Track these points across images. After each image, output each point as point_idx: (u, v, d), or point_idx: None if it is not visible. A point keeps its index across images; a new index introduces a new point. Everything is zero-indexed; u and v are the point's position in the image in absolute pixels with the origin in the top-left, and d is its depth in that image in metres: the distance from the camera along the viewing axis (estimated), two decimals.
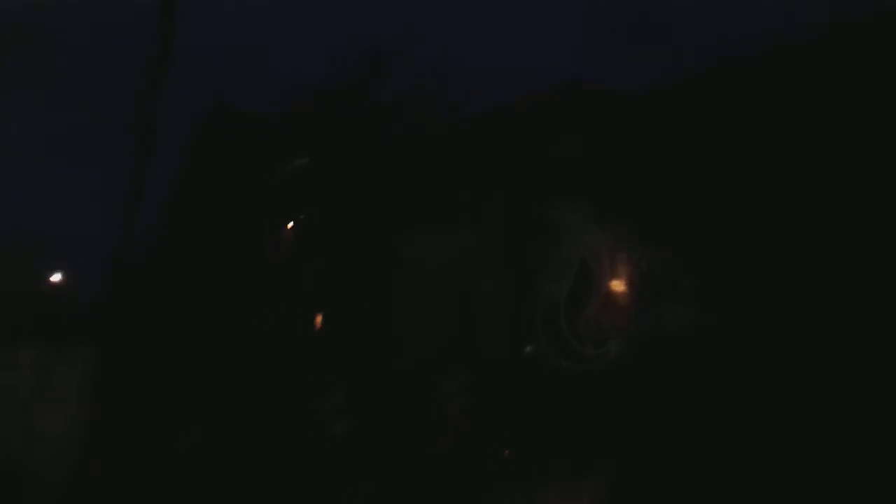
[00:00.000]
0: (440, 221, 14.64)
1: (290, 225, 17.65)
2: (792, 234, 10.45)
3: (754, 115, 11.31)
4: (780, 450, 9.54)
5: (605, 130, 12.96)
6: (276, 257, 17.54)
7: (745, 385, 10.19)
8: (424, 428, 13.45)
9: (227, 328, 16.76)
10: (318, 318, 16.74)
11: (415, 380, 14.00)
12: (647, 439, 10.81)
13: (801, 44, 11.37)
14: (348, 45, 16.82)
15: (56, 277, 19.99)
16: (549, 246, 13.12)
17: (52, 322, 17.88)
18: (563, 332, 12.61)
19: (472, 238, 14.15)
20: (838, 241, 9.92)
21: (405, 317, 14.96)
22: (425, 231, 14.88)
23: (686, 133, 11.99)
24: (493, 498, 12.13)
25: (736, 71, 11.85)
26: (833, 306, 9.75)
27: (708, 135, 11.70)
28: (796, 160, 10.57)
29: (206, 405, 15.68)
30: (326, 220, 16.96)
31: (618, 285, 12.46)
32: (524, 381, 12.88)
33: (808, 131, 10.57)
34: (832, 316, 9.72)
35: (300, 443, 14.47)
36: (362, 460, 13.66)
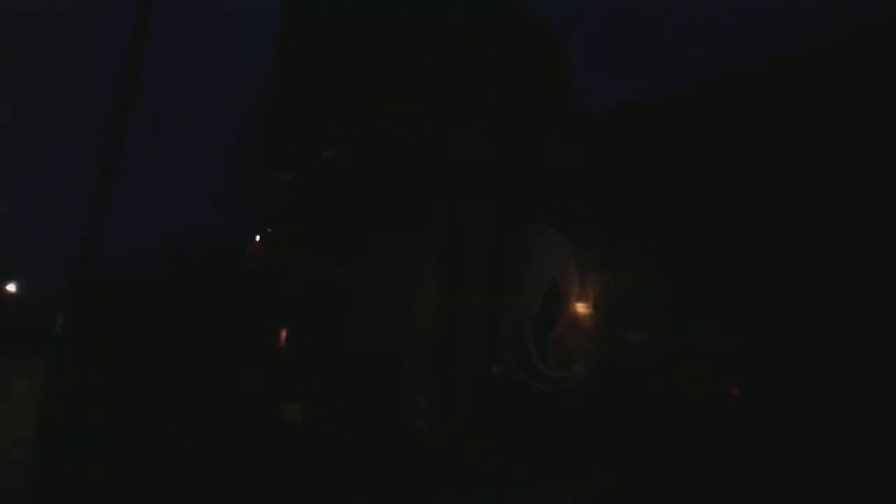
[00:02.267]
0: (409, 235, 14.57)
1: (258, 238, 17.48)
2: (763, 255, 10.58)
3: (720, 135, 11.47)
4: (751, 476, 9.60)
5: (576, 148, 13.04)
6: (246, 268, 17.36)
7: (715, 407, 10.25)
8: (392, 445, 13.30)
9: (191, 339, 16.50)
10: (283, 333, 16.53)
11: (381, 396, 13.86)
12: (616, 461, 10.82)
13: (757, 72, 11.58)
14: None
15: (11, 287, 19.54)
16: (520, 264, 13.13)
17: (4, 332, 17.47)
18: (531, 352, 12.60)
19: (440, 253, 14.09)
20: (813, 261, 10.06)
21: (371, 332, 14.82)
22: (393, 245, 14.79)
23: (656, 152, 12.11)
24: None
25: (706, 92, 12.03)
26: (807, 327, 9.87)
27: (678, 154, 11.83)
28: (767, 180, 10.72)
29: (165, 419, 15.37)
30: (293, 232, 16.81)
31: (587, 306, 12.49)
32: (491, 400, 12.82)
33: (778, 151, 10.73)
34: (805, 336, 9.84)
35: (261, 455, 14.24)
36: (326, 477, 13.46)
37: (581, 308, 12.46)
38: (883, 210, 9.88)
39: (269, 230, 17.54)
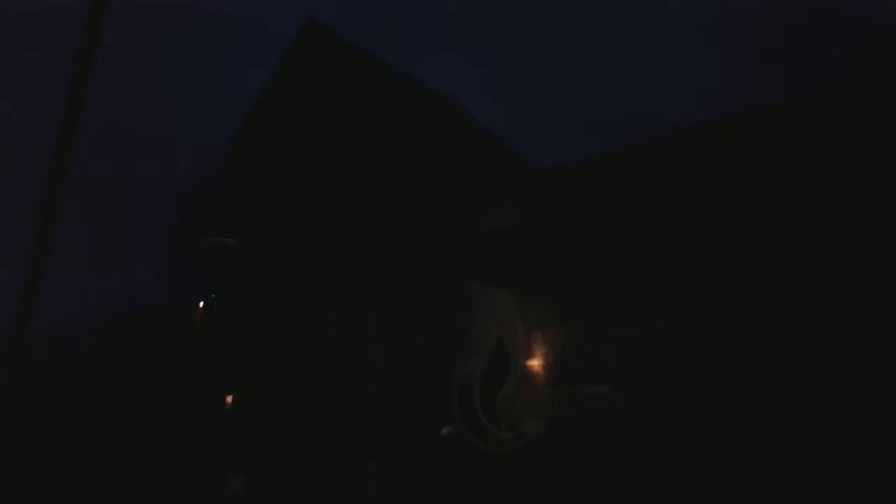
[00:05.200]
0: (356, 298, 14.48)
1: (202, 304, 17.23)
2: (709, 306, 10.70)
3: (666, 192, 11.64)
4: None
5: (523, 209, 13.16)
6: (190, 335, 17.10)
7: (669, 460, 10.23)
8: None
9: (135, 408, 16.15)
10: (229, 398, 16.22)
11: (331, 460, 13.59)
12: None
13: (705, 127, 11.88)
14: None
15: None
16: (465, 324, 13.08)
17: None
18: (478, 413, 12.49)
19: (388, 315, 14.01)
20: (758, 317, 10.20)
21: (320, 395, 14.58)
22: (340, 309, 14.68)
23: (602, 210, 12.25)
24: None
25: (647, 150, 12.25)
26: (751, 373, 9.98)
27: (624, 212, 11.97)
28: (713, 234, 10.89)
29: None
30: (242, 293, 16.65)
31: (534, 364, 12.44)
32: (442, 462, 12.64)
33: (718, 206, 10.94)
34: (752, 381, 9.94)
35: None
36: None
37: (531, 366, 12.41)
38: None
39: (212, 296, 17.31)
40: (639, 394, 10.99)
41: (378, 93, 15.77)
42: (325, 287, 14.97)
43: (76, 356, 18.95)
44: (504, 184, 14.29)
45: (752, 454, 9.66)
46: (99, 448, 16.07)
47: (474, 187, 14.07)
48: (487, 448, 12.23)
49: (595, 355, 11.77)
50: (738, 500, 9.57)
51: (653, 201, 11.61)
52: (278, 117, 17.02)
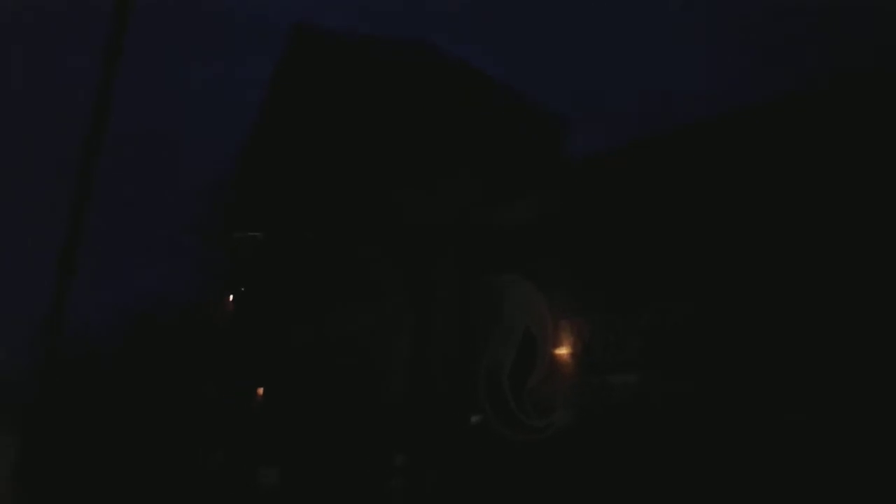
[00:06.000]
0: (382, 291, 14.54)
1: (231, 297, 17.36)
2: (734, 297, 10.69)
3: (691, 182, 11.62)
4: None
5: (550, 199, 13.16)
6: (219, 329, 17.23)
7: (696, 449, 10.23)
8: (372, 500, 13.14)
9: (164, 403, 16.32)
10: (260, 391, 16.36)
11: (361, 454, 13.68)
12: None
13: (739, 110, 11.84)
14: None
15: None
16: (493, 315, 13.11)
17: None
18: (509, 402, 12.52)
19: (414, 308, 14.06)
20: (779, 302, 10.18)
21: (348, 388, 14.68)
22: (366, 302, 14.74)
23: (628, 199, 12.25)
24: None
25: (669, 139, 12.22)
26: (777, 364, 9.95)
27: (650, 201, 11.97)
28: (736, 226, 10.88)
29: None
30: (270, 288, 16.74)
31: (562, 354, 12.47)
32: (472, 452, 12.69)
33: (743, 196, 10.91)
34: (778, 373, 9.91)
35: None
36: None
37: (559, 355, 12.45)
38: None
39: (239, 291, 17.41)
40: (666, 384, 11.00)
41: (393, 85, 15.66)
42: (350, 281, 15.03)
43: (103, 353, 19.19)
44: (529, 175, 14.27)
45: (783, 447, 9.64)
46: (129, 444, 16.24)
47: (498, 179, 14.08)
48: (517, 438, 12.27)
49: (622, 345, 11.81)
50: (767, 492, 9.56)
51: (680, 191, 11.60)
52: (287, 116, 17.06)
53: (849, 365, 9.41)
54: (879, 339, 9.25)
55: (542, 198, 13.35)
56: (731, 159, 11.20)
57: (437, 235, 13.95)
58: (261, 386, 16.46)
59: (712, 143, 11.62)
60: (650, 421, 10.93)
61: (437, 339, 13.69)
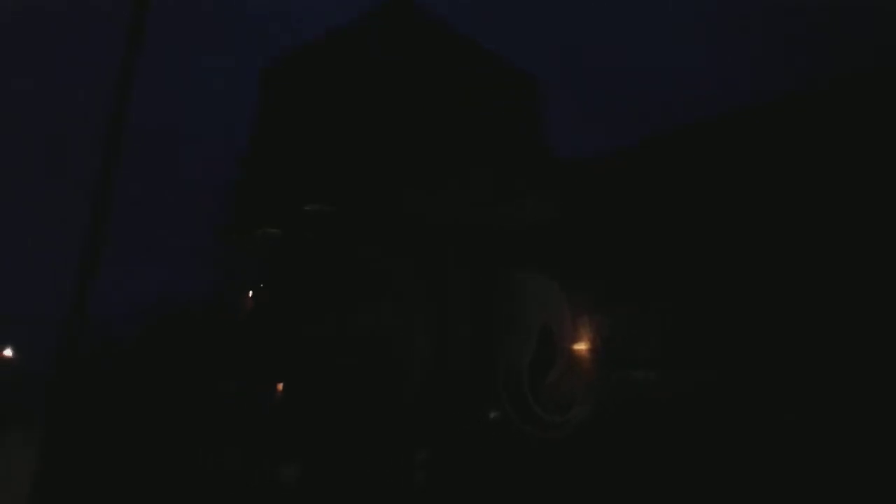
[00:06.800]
0: (400, 289, 14.55)
1: (251, 293, 17.43)
2: (752, 294, 10.62)
3: (709, 178, 11.56)
4: None
5: (567, 196, 13.12)
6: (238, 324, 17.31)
7: (713, 443, 10.18)
8: (393, 496, 13.13)
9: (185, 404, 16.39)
10: (280, 387, 16.40)
11: (381, 450, 13.70)
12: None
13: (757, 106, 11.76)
14: None
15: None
16: (512, 311, 13.08)
17: None
18: (527, 398, 12.50)
19: (436, 305, 14.06)
20: (798, 299, 10.11)
21: (368, 385, 14.71)
22: (383, 299, 14.76)
23: (646, 196, 12.20)
24: None
25: (690, 136, 12.16)
26: (798, 365, 9.87)
27: (666, 198, 11.91)
28: (752, 222, 10.81)
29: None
30: (288, 284, 16.79)
31: (581, 350, 12.44)
32: (491, 447, 12.68)
33: (762, 193, 10.84)
34: (798, 372, 9.83)
35: None
36: None
37: (578, 351, 12.42)
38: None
39: (260, 286, 17.48)
40: (685, 380, 10.96)
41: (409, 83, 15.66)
42: (369, 278, 15.05)
43: (121, 351, 19.30)
44: (545, 173, 14.26)
45: (804, 445, 9.58)
46: (148, 442, 16.31)
47: (513, 177, 14.07)
48: (536, 433, 12.25)
49: (641, 341, 11.76)
50: (788, 487, 9.49)
51: (696, 187, 11.55)
52: (287, 116, 17.12)
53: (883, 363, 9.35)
54: None
55: (559, 196, 13.31)
56: (756, 153, 11.13)
57: (454, 234, 13.94)
58: (280, 382, 16.51)
59: (732, 137, 11.56)
60: (669, 416, 10.88)
61: (456, 336, 13.68)
